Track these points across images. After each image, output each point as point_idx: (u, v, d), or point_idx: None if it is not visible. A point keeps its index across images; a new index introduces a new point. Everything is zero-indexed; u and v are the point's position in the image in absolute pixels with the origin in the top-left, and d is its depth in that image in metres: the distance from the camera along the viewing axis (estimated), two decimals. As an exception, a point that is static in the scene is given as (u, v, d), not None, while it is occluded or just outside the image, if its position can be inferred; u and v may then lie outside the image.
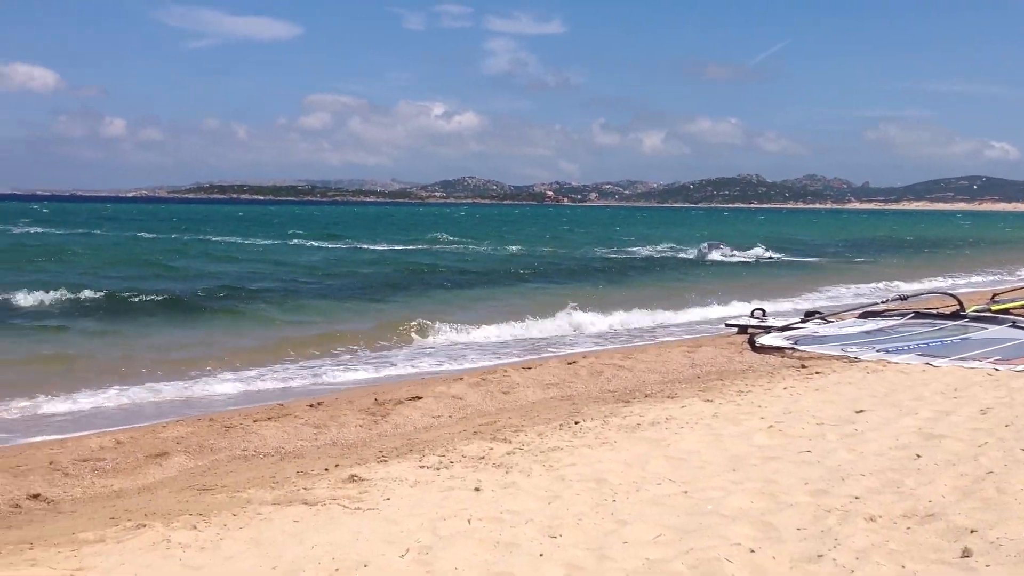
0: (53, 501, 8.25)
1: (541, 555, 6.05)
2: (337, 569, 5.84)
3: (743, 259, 50.22)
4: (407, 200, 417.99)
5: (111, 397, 13.46)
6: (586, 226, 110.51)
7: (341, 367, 16.12)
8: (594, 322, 22.48)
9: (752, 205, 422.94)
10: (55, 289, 25.83)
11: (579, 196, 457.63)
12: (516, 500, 7.28)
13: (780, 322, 19.14)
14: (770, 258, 51.43)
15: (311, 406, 11.94)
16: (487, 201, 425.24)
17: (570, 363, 15.26)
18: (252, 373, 15.43)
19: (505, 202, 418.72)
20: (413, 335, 19.77)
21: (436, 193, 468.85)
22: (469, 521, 6.76)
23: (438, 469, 8.33)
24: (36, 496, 8.29)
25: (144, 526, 6.80)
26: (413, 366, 16.51)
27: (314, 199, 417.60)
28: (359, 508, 7.16)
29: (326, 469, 8.68)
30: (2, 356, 16.51)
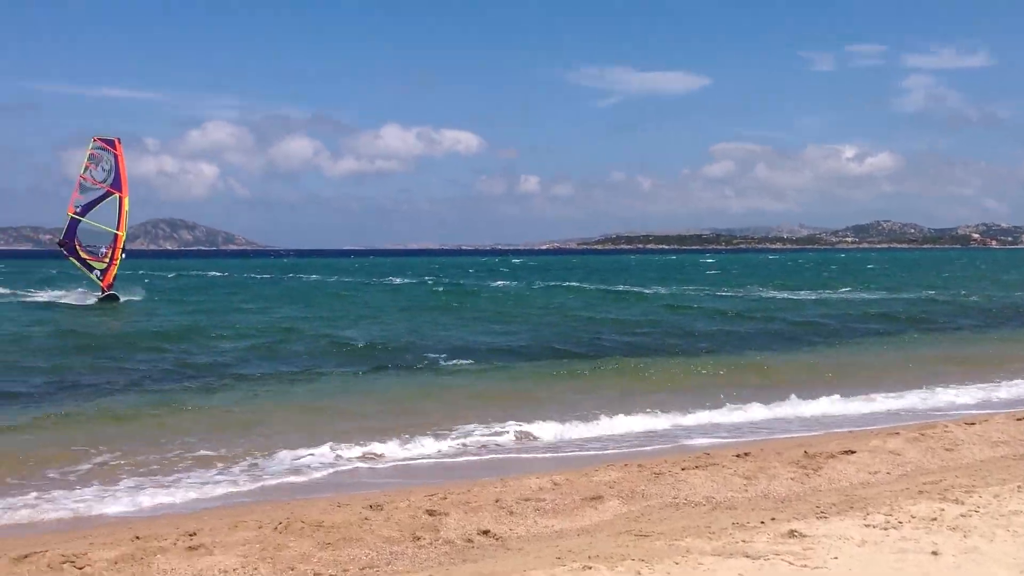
0: (501, 538, 8.68)
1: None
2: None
3: None
4: (815, 247, 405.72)
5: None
6: None
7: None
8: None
9: None
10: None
11: (1009, 238, 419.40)
12: (982, 568, 6.61)
13: None
14: None
15: (738, 456, 11.73)
16: (903, 245, 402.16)
17: (1019, 419, 13.87)
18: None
19: (924, 246, 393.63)
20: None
21: (847, 238, 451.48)
22: (931, 588, 6.23)
23: (885, 529, 7.79)
24: (486, 532, 8.77)
25: (590, 568, 6.93)
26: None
27: (719, 247, 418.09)
28: (805, 566, 6.84)
29: (762, 522, 8.42)
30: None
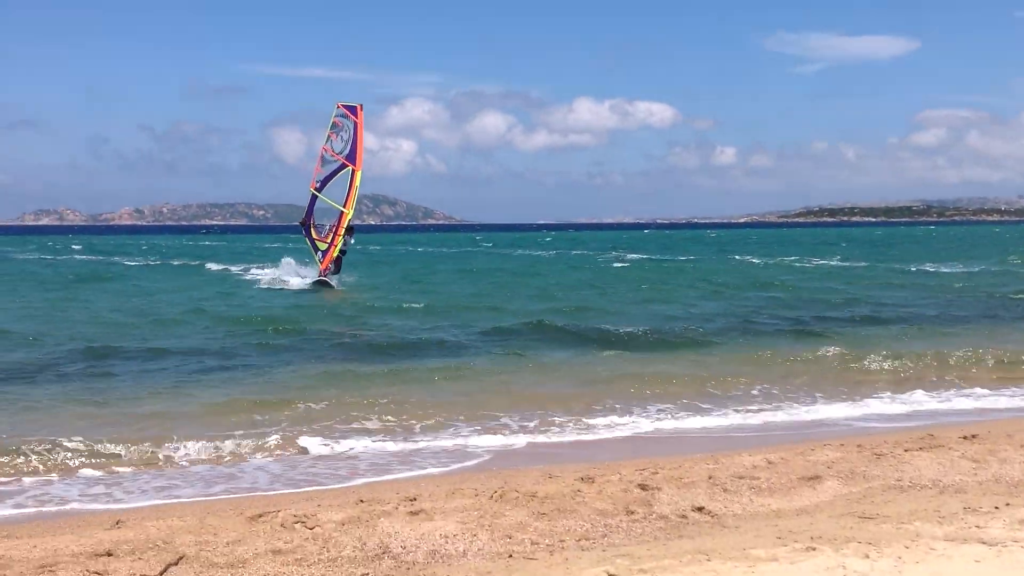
0: (716, 515, 8.55)
1: None
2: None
3: None
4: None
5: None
6: None
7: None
8: None
9: None
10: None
11: None
12: None
13: None
14: None
15: (964, 438, 11.14)
16: None
17: None
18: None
19: None
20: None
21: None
22: None
23: None
24: (700, 509, 8.66)
25: (814, 549, 6.74)
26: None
27: (930, 219, 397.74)
28: (1050, 554, 6.42)
29: (996, 507, 7.98)
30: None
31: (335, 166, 36.38)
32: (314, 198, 36.77)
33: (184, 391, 16.43)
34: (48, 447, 12.15)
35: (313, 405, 15.08)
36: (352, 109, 35.61)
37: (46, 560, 7.01)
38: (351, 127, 35.28)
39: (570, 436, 13.78)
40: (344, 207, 35.49)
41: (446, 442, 13.20)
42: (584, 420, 14.47)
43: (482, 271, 56.18)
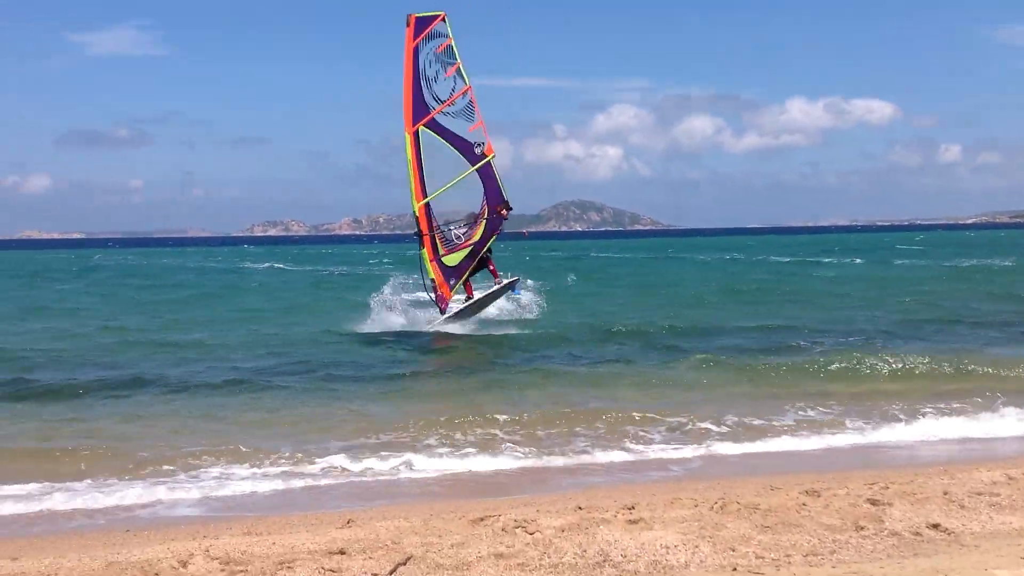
0: (953, 533, 8.07)
1: None
2: None
3: None
4: None
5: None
6: None
7: None
8: None
9: None
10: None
11: None
12: None
13: None
14: None
15: None
16: None
17: None
18: None
19: None
20: None
21: None
22: None
23: None
24: (936, 526, 8.20)
25: (1068, 574, 6.26)
26: None
27: None
28: None
29: None
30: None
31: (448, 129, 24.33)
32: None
33: (414, 401, 16.96)
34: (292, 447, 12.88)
35: (527, 415, 15.13)
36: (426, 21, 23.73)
37: (284, 557, 7.37)
38: (446, 56, 23.86)
39: (786, 445, 13.47)
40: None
41: (659, 450, 13.13)
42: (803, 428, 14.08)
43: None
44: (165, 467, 12.11)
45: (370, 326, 26.47)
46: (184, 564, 7.19)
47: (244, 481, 11.55)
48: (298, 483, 11.60)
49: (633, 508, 8.78)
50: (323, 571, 7.03)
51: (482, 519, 8.42)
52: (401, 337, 25.20)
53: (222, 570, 7.10)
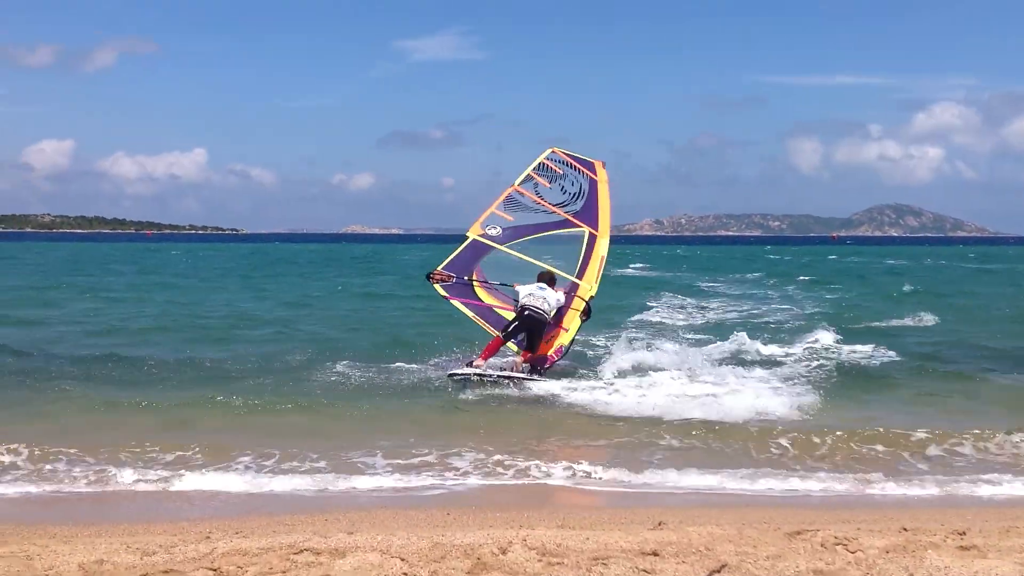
0: None
1: None
2: None
3: None
4: None
5: None
6: None
7: None
8: None
9: None
10: None
11: None
12: None
13: None
14: None
15: None
16: None
17: None
18: None
19: None
20: None
21: None
22: None
23: None
24: None
25: None
26: None
27: None
28: None
29: None
30: None
31: (544, 219, 23.63)
32: (478, 248, 22.49)
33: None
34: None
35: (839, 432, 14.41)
36: (588, 165, 24.42)
37: (599, 553, 7.47)
38: (583, 183, 24.47)
39: None
40: (580, 279, 21.82)
41: (992, 477, 12.06)
42: None
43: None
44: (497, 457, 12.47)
45: None
46: (504, 551, 7.44)
47: (556, 479, 11.67)
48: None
49: (964, 534, 8.22)
50: (637, 570, 7.05)
51: (799, 533, 8.16)
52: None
53: (539, 560, 7.29)
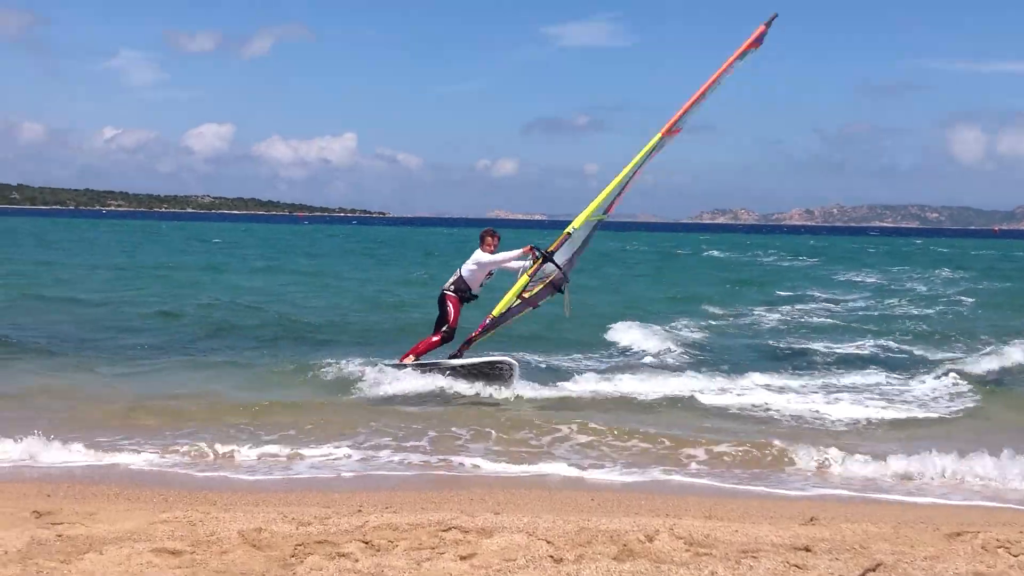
0: None
1: None
2: None
3: None
4: None
5: None
6: None
7: None
8: None
9: None
10: None
11: None
12: None
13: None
14: None
15: None
16: None
17: None
18: None
19: None
20: None
21: None
22: None
23: None
24: None
25: None
26: None
27: None
28: None
29: None
30: None
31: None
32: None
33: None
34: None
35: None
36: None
37: (748, 546, 7.33)
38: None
39: None
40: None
41: None
42: None
43: None
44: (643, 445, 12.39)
45: None
46: (650, 539, 7.39)
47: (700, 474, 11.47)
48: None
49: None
50: (788, 565, 6.89)
51: (958, 534, 7.85)
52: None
53: (687, 550, 7.20)
